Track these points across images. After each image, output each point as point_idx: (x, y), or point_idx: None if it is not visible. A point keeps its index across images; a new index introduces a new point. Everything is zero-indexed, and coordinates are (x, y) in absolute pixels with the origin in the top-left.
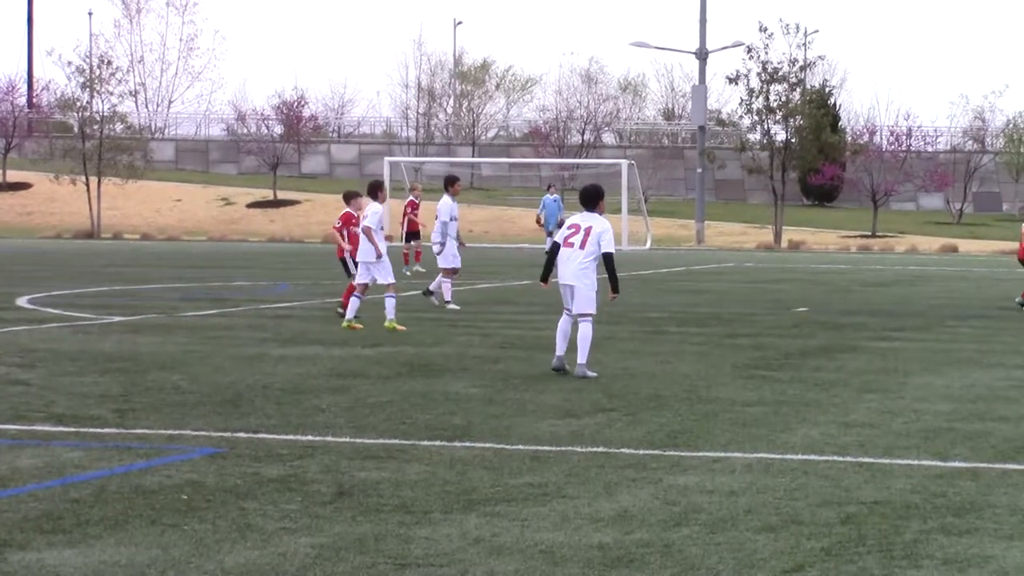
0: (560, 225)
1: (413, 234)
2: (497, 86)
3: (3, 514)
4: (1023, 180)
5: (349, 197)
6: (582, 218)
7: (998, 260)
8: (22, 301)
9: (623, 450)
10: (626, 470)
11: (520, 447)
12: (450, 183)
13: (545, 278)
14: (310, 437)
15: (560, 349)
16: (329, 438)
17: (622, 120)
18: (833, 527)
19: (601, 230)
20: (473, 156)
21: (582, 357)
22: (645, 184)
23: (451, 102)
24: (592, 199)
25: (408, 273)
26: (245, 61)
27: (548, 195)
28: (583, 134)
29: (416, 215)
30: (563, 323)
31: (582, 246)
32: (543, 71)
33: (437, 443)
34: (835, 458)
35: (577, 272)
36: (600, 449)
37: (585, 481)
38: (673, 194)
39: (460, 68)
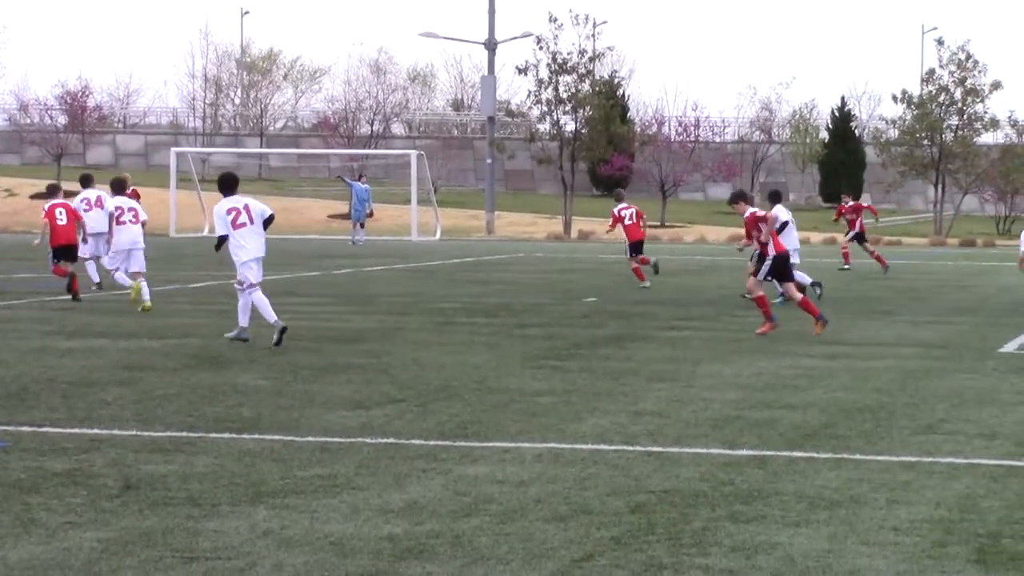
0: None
1: None
2: (285, 76)
3: None
4: (809, 171)
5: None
6: (238, 200)
7: None
8: None
9: (413, 441)
10: (416, 461)
11: (310, 439)
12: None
13: None
14: (96, 430)
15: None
16: (115, 431)
17: (411, 111)
18: (623, 516)
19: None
20: (261, 147)
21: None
22: (435, 175)
23: (239, 93)
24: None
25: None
26: (27, 50)
27: (360, 183)
28: (372, 124)
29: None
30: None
31: (252, 221)
32: (332, 62)
33: (225, 435)
34: (625, 447)
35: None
36: (390, 440)
37: (375, 472)
38: (463, 184)
39: (247, 58)
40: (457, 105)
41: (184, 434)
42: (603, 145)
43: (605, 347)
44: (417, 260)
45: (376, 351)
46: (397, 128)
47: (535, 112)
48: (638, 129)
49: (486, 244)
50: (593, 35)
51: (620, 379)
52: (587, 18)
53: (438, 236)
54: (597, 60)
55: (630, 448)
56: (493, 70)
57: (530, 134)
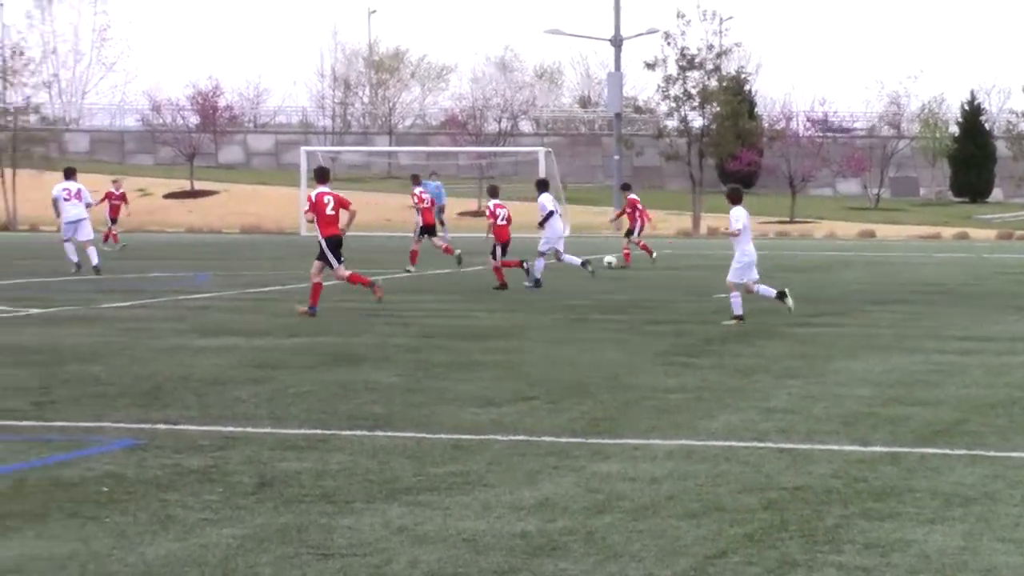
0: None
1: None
2: (412, 74)
3: None
4: (939, 165)
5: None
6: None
7: (915, 245)
8: None
9: (545, 438)
10: (548, 458)
11: (442, 436)
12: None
13: None
14: (231, 428)
15: None
16: (250, 429)
17: (539, 108)
18: (755, 513)
19: None
20: (390, 145)
21: None
22: (563, 171)
23: (367, 91)
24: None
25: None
26: (159, 52)
27: (431, 181)
28: (500, 122)
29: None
30: None
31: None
32: (458, 60)
33: (359, 433)
34: (756, 444)
35: None
36: (522, 437)
37: (507, 469)
38: (591, 181)
39: (375, 57)
40: (584, 102)
41: (318, 431)
42: (731, 141)
43: (736, 344)
44: (549, 258)
45: (507, 348)
46: (525, 125)
47: (663, 108)
48: (766, 124)
49: (615, 241)
50: (720, 31)
51: (751, 376)
52: (714, 14)
53: (567, 233)
54: (725, 56)
55: (761, 445)
56: (620, 66)
57: (658, 130)
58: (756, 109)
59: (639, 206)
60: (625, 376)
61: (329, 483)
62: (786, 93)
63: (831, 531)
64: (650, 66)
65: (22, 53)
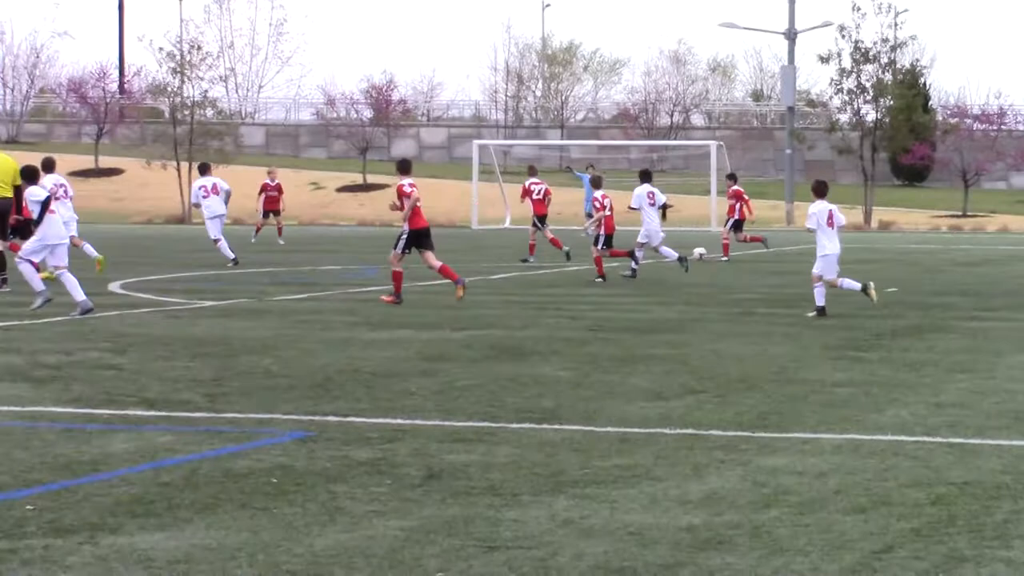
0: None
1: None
2: (585, 68)
3: (95, 498)
4: None
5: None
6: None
7: None
8: (114, 286)
9: (712, 432)
10: (715, 452)
11: (609, 429)
12: None
13: None
14: (399, 420)
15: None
16: (418, 421)
17: (711, 101)
18: (923, 508)
19: None
20: (562, 139)
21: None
22: (734, 165)
23: (539, 85)
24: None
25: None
26: (334, 46)
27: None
28: (672, 116)
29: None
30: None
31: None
32: (630, 53)
33: (526, 426)
34: (925, 439)
35: None
36: (689, 431)
37: (674, 463)
38: (763, 175)
39: (548, 51)
40: (757, 95)
41: (485, 424)
42: (904, 134)
43: (905, 338)
44: (717, 250)
45: (675, 342)
46: (697, 119)
47: (835, 102)
48: (940, 118)
49: (786, 234)
50: (895, 23)
51: (920, 370)
52: (889, 7)
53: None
54: (899, 49)
55: (930, 439)
56: (793, 60)
57: (831, 124)
58: (930, 102)
59: (744, 197)
60: (793, 370)
61: (496, 476)
62: (960, 86)
63: (1000, 526)
64: (824, 59)
65: (200, 47)
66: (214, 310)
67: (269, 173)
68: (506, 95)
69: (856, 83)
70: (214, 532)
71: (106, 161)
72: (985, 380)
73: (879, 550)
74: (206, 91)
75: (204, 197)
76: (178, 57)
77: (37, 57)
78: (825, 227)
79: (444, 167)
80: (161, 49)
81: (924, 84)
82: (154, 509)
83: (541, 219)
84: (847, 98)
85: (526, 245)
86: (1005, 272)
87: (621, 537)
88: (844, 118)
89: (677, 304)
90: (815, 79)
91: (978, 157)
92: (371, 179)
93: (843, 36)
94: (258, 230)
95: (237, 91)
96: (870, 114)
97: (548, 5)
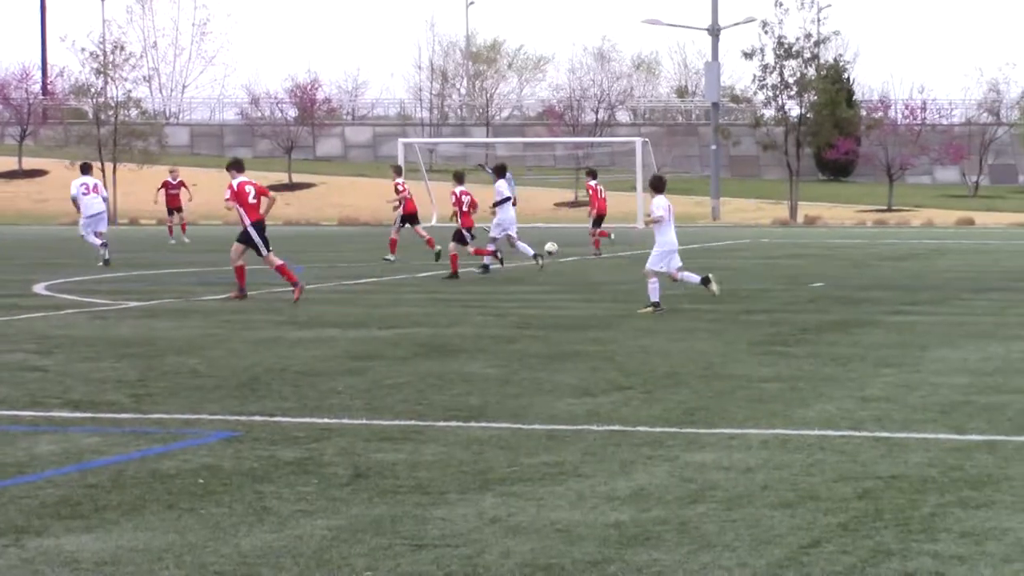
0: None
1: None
2: (509, 66)
3: (21, 500)
4: None
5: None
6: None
7: (1014, 232)
8: (39, 288)
9: (639, 428)
10: (642, 448)
11: (536, 426)
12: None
13: None
14: (326, 420)
15: None
16: (345, 420)
17: (636, 98)
18: (850, 502)
19: None
20: (487, 136)
21: None
22: (660, 161)
23: (464, 83)
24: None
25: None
26: (258, 45)
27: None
28: (597, 112)
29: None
30: None
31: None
32: (555, 50)
33: (453, 424)
34: (852, 433)
35: None
36: (616, 427)
37: (602, 459)
38: (688, 171)
39: (472, 48)
40: (681, 92)
41: (413, 422)
42: (829, 129)
43: (831, 332)
44: (642, 247)
45: (602, 339)
46: (622, 116)
47: (760, 97)
48: (864, 113)
49: (712, 230)
50: (818, 19)
51: (847, 364)
52: (812, 2)
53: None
54: (823, 44)
55: (857, 434)
56: (717, 56)
57: (755, 119)
58: (854, 97)
59: (601, 194)
60: (719, 366)
61: (423, 474)
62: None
63: (926, 520)
64: (748, 55)
65: (123, 47)
66: (140, 310)
67: (171, 172)
68: (431, 93)
69: (780, 78)
70: (141, 533)
71: (30, 162)
72: (911, 374)
73: (807, 544)
74: (130, 91)
75: (84, 195)
76: (101, 58)
77: None
78: (671, 220)
79: (369, 165)
80: (83, 50)
81: (848, 79)
82: (81, 511)
83: (409, 218)
84: (771, 93)
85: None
86: (930, 266)
87: (548, 534)
88: (768, 113)
89: (604, 301)
90: (739, 75)
91: (903, 152)
92: (296, 178)
93: (766, 32)
94: (170, 230)
95: (161, 91)
96: (794, 109)
97: (472, 3)
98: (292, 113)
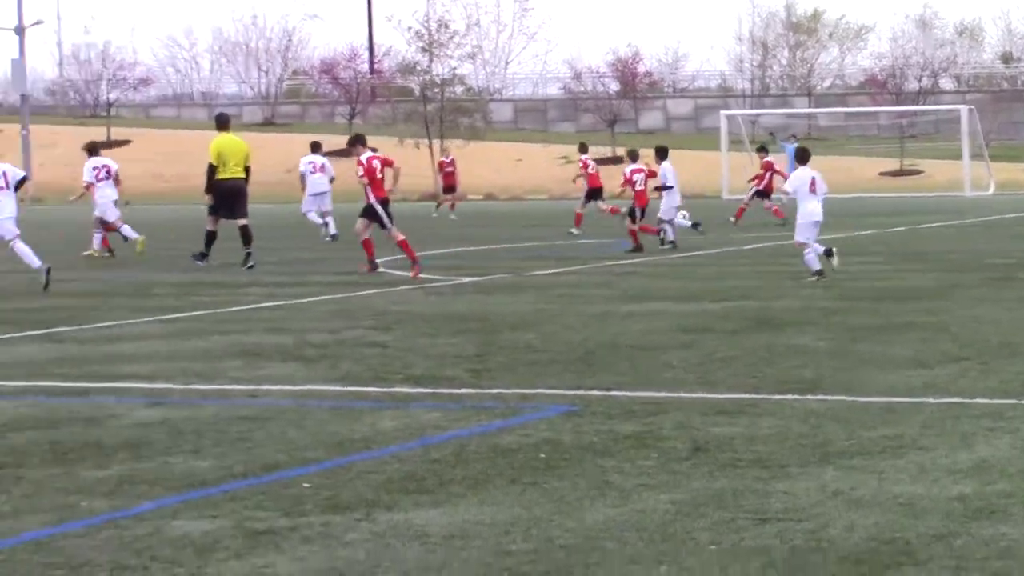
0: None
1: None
2: (830, 35)
3: (369, 475)
4: None
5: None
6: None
7: None
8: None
9: (978, 400)
10: (982, 419)
11: (873, 399)
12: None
13: None
14: (662, 393)
15: None
16: (680, 394)
17: (959, 65)
18: None
19: None
20: (809, 106)
21: None
22: (985, 128)
23: (785, 53)
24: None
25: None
26: (578, 20)
27: (790, 144)
28: (920, 81)
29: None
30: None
31: None
32: (876, 19)
33: (788, 397)
34: None
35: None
36: (955, 399)
37: (941, 432)
38: (1015, 138)
39: (792, 19)
40: (1006, 57)
41: (747, 396)
42: None
43: None
44: (972, 215)
45: (934, 309)
46: (945, 83)
47: None
48: None
49: None
50: None
51: None
52: None
53: (991, 191)
54: None
55: None
56: None
57: None
58: None
59: (775, 168)
60: None
61: (761, 448)
62: None
63: None
64: None
65: (447, 26)
66: (474, 286)
67: (444, 151)
68: (751, 64)
69: None
70: (487, 508)
71: None
72: None
73: None
74: (455, 68)
75: (311, 173)
76: (426, 36)
77: (289, 40)
78: (807, 193)
79: (691, 138)
80: (409, 28)
81: None
82: (426, 485)
83: (594, 193)
84: None
85: (771, 213)
86: None
87: (891, 508)
88: None
89: (934, 271)
90: None
91: None
92: (620, 152)
93: None
94: (439, 205)
95: (484, 68)
96: None
97: None
98: (614, 87)
